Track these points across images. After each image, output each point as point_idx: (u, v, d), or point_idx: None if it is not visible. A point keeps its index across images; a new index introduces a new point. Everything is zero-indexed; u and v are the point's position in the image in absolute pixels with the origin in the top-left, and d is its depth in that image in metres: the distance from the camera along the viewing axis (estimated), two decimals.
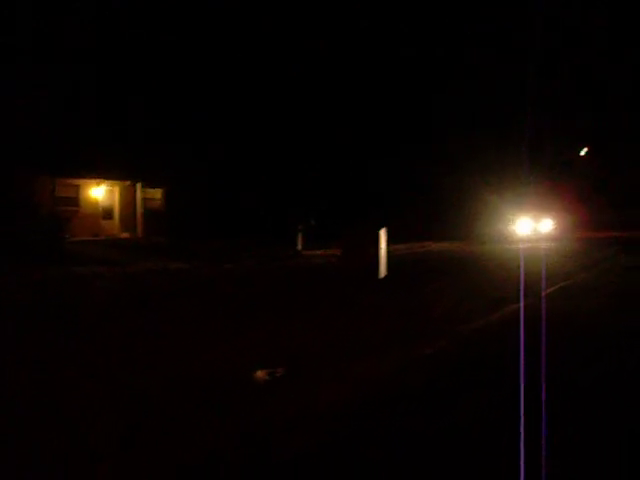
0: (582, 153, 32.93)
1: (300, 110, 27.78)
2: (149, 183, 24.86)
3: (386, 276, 11.85)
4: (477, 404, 4.17)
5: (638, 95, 32.67)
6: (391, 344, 6.00)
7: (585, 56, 31.39)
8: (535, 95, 27.41)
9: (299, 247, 19.49)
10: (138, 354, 5.87)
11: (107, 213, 23.75)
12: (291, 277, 13.40)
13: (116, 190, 24.06)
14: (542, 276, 9.94)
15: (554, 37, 30.51)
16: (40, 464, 3.41)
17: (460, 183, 27.94)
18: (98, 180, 23.16)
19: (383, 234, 11.80)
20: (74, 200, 22.62)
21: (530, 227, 26.12)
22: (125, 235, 23.64)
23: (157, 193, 25.80)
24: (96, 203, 23.32)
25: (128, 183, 24.19)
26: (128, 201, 24.33)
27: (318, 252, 19.24)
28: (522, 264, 11.84)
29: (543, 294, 8.80)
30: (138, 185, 24.38)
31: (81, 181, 22.79)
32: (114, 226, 23.92)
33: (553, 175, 29.91)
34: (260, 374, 4.88)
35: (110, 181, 23.62)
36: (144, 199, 24.86)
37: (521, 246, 19.86)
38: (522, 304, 7.74)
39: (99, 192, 23.38)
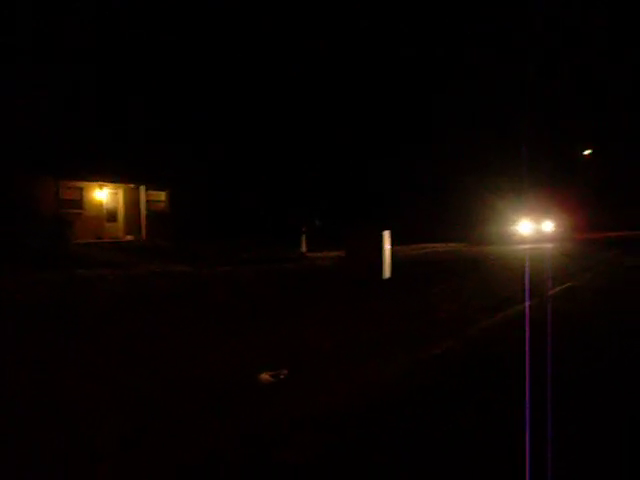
0: (586, 152, 32.93)
1: (300, 110, 27.77)
2: (153, 185, 24.83)
3: (391, 277, 11.82)
4: (484, 406, 4.15)
5: (638, 95, 32.70)
6: (397, 346, 5.98)
7: (585, 56, 31.41)
8: (535, 95, 27.43)
9: (303, 249, 19.43)
10: (141, 356, 5.86)
11: (111, 216, 23.69)
12: (295, 279, 13.37)
13: (120, 192, 24.02)
14: (546, 277, 9.95)
15: (554, 37, 30.55)
16: (41, 464, 3.41)
17: (462, 184, 27.95)
18: (102, 182, 23.13)
19: (387, 235, 11.77)
20: (78, 202, 22.55)
21: (532, 228, 26.16)
22: (129, 238, 23.59)
23: (161, 195, 25.77)
24: (100, 205, 23.29)
25: (132, 185, 24.15)
26: (132, 203, 24.29)
27: (322, 254, 19.21)
28: (527, 265, 11.86)
29: (549, 294, 8.81)
30: (142, 187, 24.34)
31: (85, 183, 22.73)
32: (118, 229, 23.88)
33: (554, 176, 29.92)
34: (264, 376, 4.85)
35: (114, 184, 23.59)
36: (148, 201, 24.82)
37: (524, 247, 19.88)
38: (527, 304, 7.74)
39: (103, 194, 23.35)
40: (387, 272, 11.73)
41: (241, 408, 4.20)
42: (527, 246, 20.49)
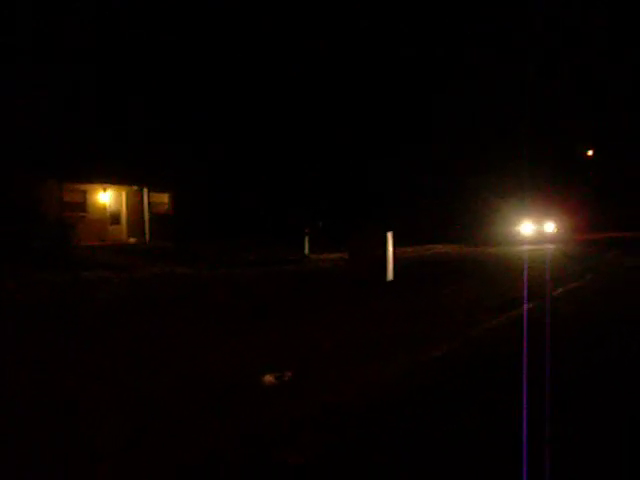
0: (588, 153, 32.94)
1: (300, 110, 27.78)
2: (156, 187, 24.83)
3: (394, 279, 11.82)
4: (486, 407, 4.16)
5: (638, 95, 32.72)
6: (399, 347, 5.98)
7: (585, 56, 31.43)
8: (535, 95, 27.45)
9: (306, 251, 19.41)
10: (144, 356, 5.86)
11: (114, 218, 23.67)
12: (298, 281, 13.35)
13: (123, 195, 24.00)
14: (549, 278, 9.97)
15: (554, 37, 30.58)
16: (41, 463, 3.42)
17: (463, 185, 27.98)
18: (105, 185, 23.13)
19: (390, 237, 11.77)
20: (81, 205, 22.54)
21: (533, 229, 26.21)
22: (132, 240, 23.59)
23: (164, 197, 25.77)
24: (103, 208, 23.27)
25: (135, 188, 24.14)
26: (135, 206, 24.28)
27: (325, 256, 19.20)
28: (530, 266, 11.88)
29: (552, 295, 8.83)
30: (145, 190, 24.35)
31: (88, 186, 22.72)
32: (121, 231, 23.86)
33: (555, 176, 29.96)
34: (268, 378, 4.85)
35: (117, 186, 23.58)
36: (151, 203, 24.83)
37: (525, 248, 19.91)
38: (530, 306, 7.75)
39: (106, 197, 23.33)
40: (390, 274, 11.73)
41: (242, 409, 4.21)
42: (529, 247, 20.53)
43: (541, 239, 24.84)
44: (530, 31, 28.55)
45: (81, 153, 21.14)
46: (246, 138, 26.81)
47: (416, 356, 5.54)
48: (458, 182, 28.30)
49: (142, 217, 24.35)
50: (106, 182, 22.98)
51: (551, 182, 28.82)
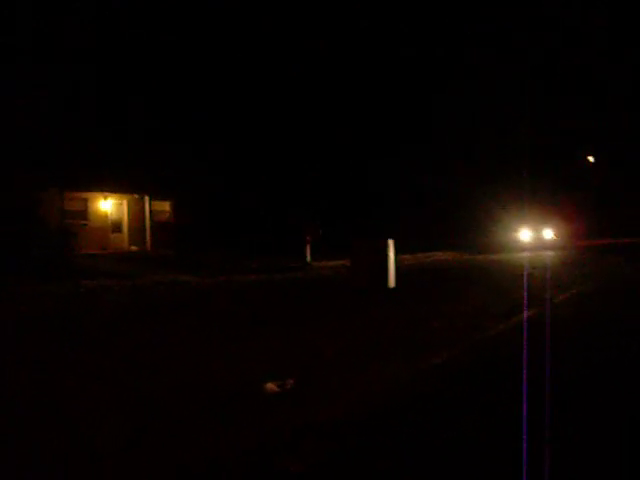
0: (588, 159, 32.87)
1: (300, 110, 27.77)
2: (157, 195, 24.84)
3: (395, 286, 11.82)
4: (487, 414, 4.18)
5: (638, 95, 32.70)
6: (400, 354, 6.00)
7: (585, 56, 31.41)
8: (535, 95, 27.45)
9: (308, 258, 19.43)
10: (146, 364, 5.86)
11: (115, 226, 23.66)
12: (300, 288, 13.32)
13: (124, 203, 24.00)
14: (549, 285, 9.99)
15: (554, 37, 30.59)
16: (41, 463, 3.44)
17: (463, 192, 27.98)
18: (107, 193, 23.14)
19: (391, 244, 11.75)
20: (82, 213, 22.57)
21: (532, 236, 26.22)
22: (134, 248, 23.60)
23: (165, 205, 25.79)
24: (105, 216, 23.28)
25: (136, 196, 24.14)
26: (137, 214, 24.28)
27: (326, 263, 19.22)
28: (530, 273, 11.90)
29: (553, 302, 8.86)
30: (146, 198, 24.35)
31: (89, 194, 22.74)
32: (123, 239, 23.87)
33: (554, 183, 29.94)
34: (270, 386, 4.86)
35: (119, 194, 23.58)
36: (152, 211, 24.84)
37: (525, 255, 19.92)
38: (530, 313, 7.76)
39: (107, 205, 23.34)
40: (392, 281, 11.72)
41: (244, 416, 4.22)
42: (528, 254, 20.52)
43: (540, 246, 24.85)
44: (530, 31, 28.56)
45: (82, 160, 21.16)
46: (246, 138, 26.81)
47: (419, 363, 5.56)
48: (458, 188, 28.30)
49: (143, 225, 24.38)
50: (107, 190, 23.02)
51: (550, 188, 28.81)
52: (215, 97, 26.91)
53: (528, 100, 27.03)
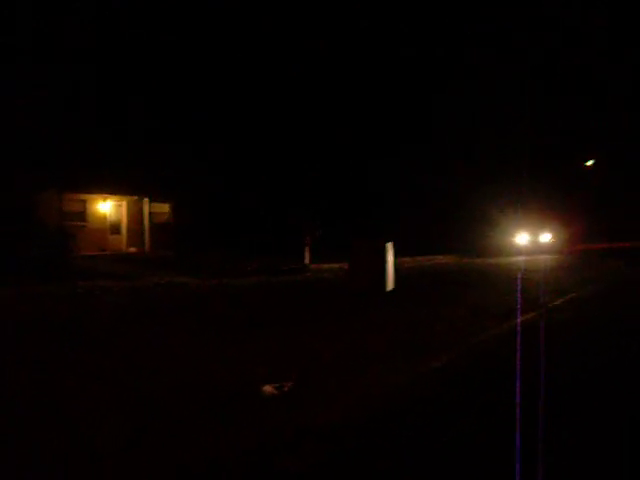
0: (588, 163, 32.80)
1: (300, 110, 27.77)
2: (156, 197, 24.85)
3: (394, 289, 11.82)
4: (484, 417, 4.20)
5: (638, 95, 32.71)
6: (399, 357, 6.01)
7: (585, 56, 31.41)
8: (535, 95, 27.44)
9: (306, 260, 19.43)
10: (146, 366, 5.86)
11: (114, 228, 23.67)
12: (299, 291, 13.35)
13: (123, 205, 24.01)
14: (547, 289, 10.00)
15: (554, 37, 30.56)
16: (41, 463, 3.47)
17: (463, 192, 27.96)
18: (105, 195, 23.16)
19: (390, 247, 11.76)
20: (81, 215, 22.60)
21: (530, 240, 26.18)
22: (132, 250, 23.62)
23: (164, 207, 25.79)
24: (103, 218, 23.29)
25: (135, 198, 24.15)
26: (135, 216, 24.29)
27: (325, 265, 19.23)
28: (528, 277, 11.89)
29: (553, 305, 8.87)
30: (145, 199, 24.36)
31: (88, 196, 22.76)
32: (121, 241, 23.88)
33: (553, 186, 29.89)
34: (268, 388, 4.87)
35: (118, 196, 23.59)
36: (151, 213, 24.86)
37: (523, 259, 19.94)
38: (519, 320, 7.75)
39: (106, 207, 23.37)
40: (391, 284, 11.72)
41: (243, 418, 4.23)
42: (526, 258, 20.55)
43: (538, 250, 24.83)
44: (530, 31, 28.56)
45: (81, 161, 21.18)
46: (246, 138, 26.81)
47: (417, 366, 5.57)
48: (458, 188, 28.29)
49: (142, 226, 24.39)
50: (106, 192, 23.03)
51: (549, 190, 28.76)
52: (215, 97, 26.93)
53: (528, 100, 27.02)
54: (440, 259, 23.41)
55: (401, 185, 29.13)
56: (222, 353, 6.42)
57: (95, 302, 11.07)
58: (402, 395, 4.76)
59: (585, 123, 32.02)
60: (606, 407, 4.28)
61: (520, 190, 23.74)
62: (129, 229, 24.11)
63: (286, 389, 4.85)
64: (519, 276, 12.64)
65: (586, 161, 32.22)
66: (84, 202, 22.68)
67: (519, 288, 10.62)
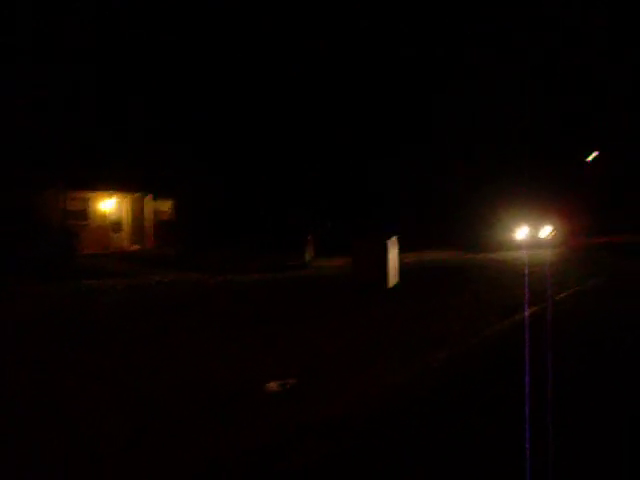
0: (590, 157, 32.81)
1: (300, 110, 27.77)
2: (158, 195, 24.86)
3: (397, 285, 11.81)
4: (486, 413, 4.20)
5: (638, 95, 32.68)
6: (401, 353, 6.01)
7: (585, 56, 31.38)
8: (535, 95, 27.45)
9: (308, 257, 19.41)
10: (147, 365, 5.87)
11: (117, 226, 23.67)
12: (301, 287, 13.34)
13: (125, 203, 24.01)
14: (550, 283, 10.01)
15: (554, 37, 30.56)
16: (41, 463, 3.48)
17: (463, 192, 27.96)
18: (108, 193, 23.15)
19: (393, 243, 11.73)
20: (84, 213, 22.59)
21: (531, 234, 26.13)
22: (135, 247, 23.62)
23: (166, 204, 25.81)
24: (105, 216, 23.28)
25: (137, 195, 24.15)
26: (137, 213, 24.30)
27: (328, 262, 19.20)
28: (531, 271, 11.88)
29: (557, 299, 8.89)
30: (147, 197, 24.36)
31: (90, 194, 22.75)
32: (124, 239, 23.88)
33: (553, 180, 29.88)
34: (272, 385, 4.88)
35: (119, 193, 23.57)
36: (154, 211, 24.86)
37: (524, 253, 19.94)
38: (527, 314, 7.77)
39: (109, 205, 23.36)
40: (393, 279, 11.69)
41: (246, 415, 4.24)
42: (527, 252, 20.52)
43: (539, 244, 24.81)
44: (530, 31, 28.56)
45: (82, 160, 21.17)
46: (246, 138, 26.81)
47: (420, 361, 5.58)
48: (458, 188, 28.29)
49: (144, 224, 24.40)
50: (108, 190, 23.02)
51: (549, 187, 28.74)
52: (215, 97, 26.92)
53: (528, 100, 27.02)
54: (442, 255, 23.41)
55: (401, 184, 29.11)
56: (225, 350, 6.43)
57: (98, 300, 11.09)
58: (403, 391, 4.76)
59: (585, 123, 32.01)
60: (612, 398, 4.28)
61: (521, 186, 23.76)
62: (131, 227, 24.13)
63: (289, 386, 4.87)
64: (526, 271, 12.62)
65: (588, 155, 32.20)
66: (86, 200, 22.68)
67: (526, 282, 10.61)
